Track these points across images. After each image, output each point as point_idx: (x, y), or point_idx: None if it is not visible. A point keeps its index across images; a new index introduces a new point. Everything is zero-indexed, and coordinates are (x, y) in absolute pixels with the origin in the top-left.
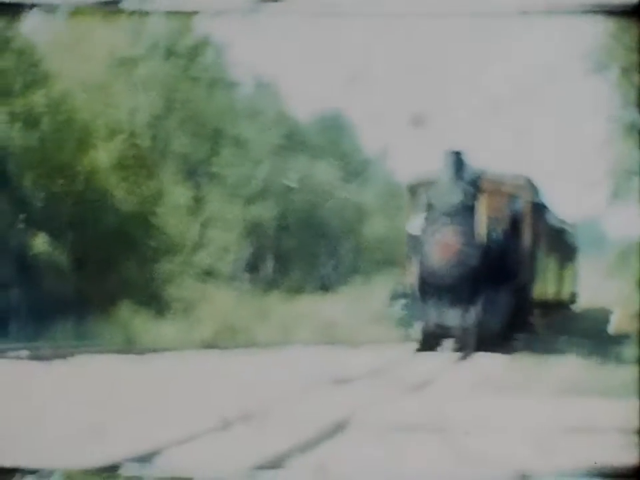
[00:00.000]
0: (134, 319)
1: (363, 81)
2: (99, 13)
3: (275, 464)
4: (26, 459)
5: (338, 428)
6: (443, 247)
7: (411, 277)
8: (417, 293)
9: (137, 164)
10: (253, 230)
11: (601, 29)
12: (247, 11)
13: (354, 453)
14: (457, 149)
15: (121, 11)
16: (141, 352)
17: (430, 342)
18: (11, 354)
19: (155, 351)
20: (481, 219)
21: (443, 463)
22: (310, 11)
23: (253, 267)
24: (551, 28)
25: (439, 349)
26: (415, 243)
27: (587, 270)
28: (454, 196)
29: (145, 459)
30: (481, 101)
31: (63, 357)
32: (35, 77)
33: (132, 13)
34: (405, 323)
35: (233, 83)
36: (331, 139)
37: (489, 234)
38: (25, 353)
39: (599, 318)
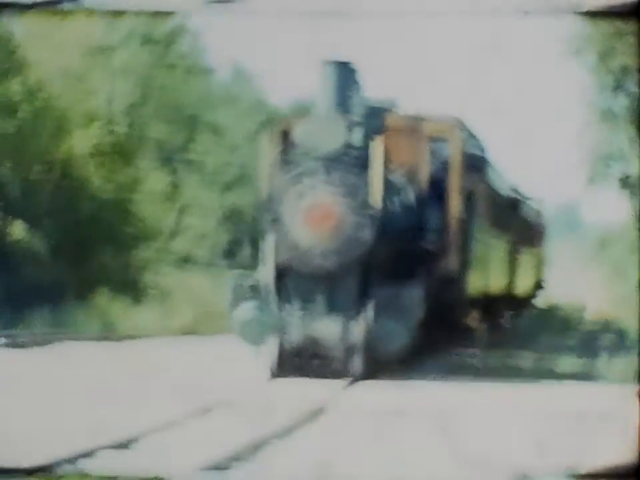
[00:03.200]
0: (111, 305)
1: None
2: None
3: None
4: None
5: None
6: (314, 217)
7: (265, 265)
8: (272, 290)
9: (114, 151)
10: (230, 216)
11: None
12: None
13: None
14: (343, 59)
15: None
16: (119, 339)
17: (292, 366)
18: None
19: (132, 337)
20: (376, 172)
21: None
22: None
23: (230, 253)
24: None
25: (307, 376)
26: (273, 210)
27: (561, 257)
28: (334, 136)
29: (123, 445)
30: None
31: (41, 344)
32: (11, 64)
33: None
34: (252, 336)
35: (209, 70)
36: None
37: (390, 197)
38: (2, 340)
39: (570, 317)
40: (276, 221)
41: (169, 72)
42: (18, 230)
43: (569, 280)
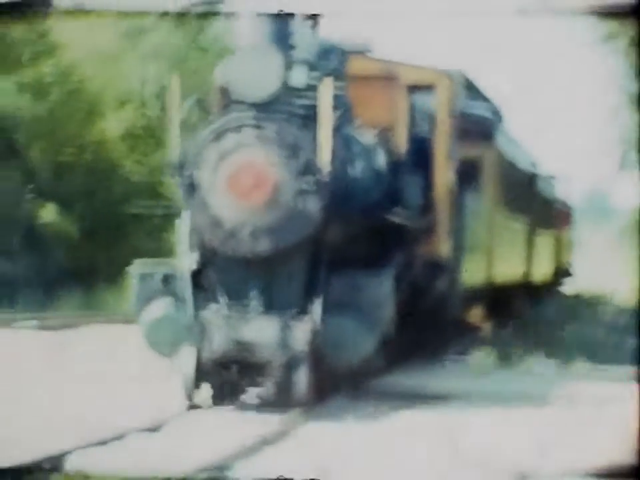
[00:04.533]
0: None
1: None
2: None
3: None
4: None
5: None
6: (240, 184)
7: (181, 249)
8: (189, 282)
9: (146, 134)
10: None
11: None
12: None
13: None
14: None
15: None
16: None
17: (211, 383)
18: (20, 324)
19: None
20: (324, 124)
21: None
22: None
23: None
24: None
25: (236, 397)
26: (187, 176)
27: (591, 243)
28: (267, 76)
29: (153, 429)
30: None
31: (72, 326)
32: (43, 47)
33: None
34: (162, 343)
35: None
36: None
37: (351, 159)
38: (33, 323)
39: (597, 306)
40: (191, 190)
41: (201, 55)
42: (49, 213)
43: (598, 267)
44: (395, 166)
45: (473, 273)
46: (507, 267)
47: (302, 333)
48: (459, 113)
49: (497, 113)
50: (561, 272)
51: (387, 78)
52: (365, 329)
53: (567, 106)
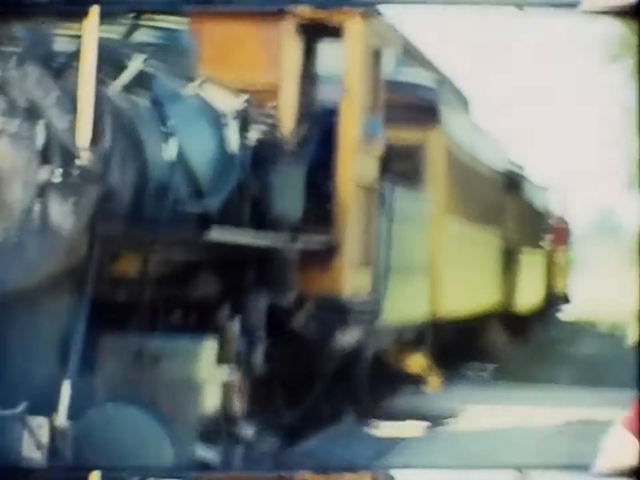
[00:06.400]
0: None
1: None
2: None
3: None
4: None
5: None
6: None
7: None
8: None
9: None
10: None
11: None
12: None
13: None
14: None
15: None
16: None
17: None
18: None
19: None
20: (83, 81)
21: None
22: None
23: None
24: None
25: None
26: None
27: (597, 262)
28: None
29: None
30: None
31: None
32: None
33: None
34: None
35: None
36: None
37: (150, 136)
38: None
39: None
40: None
41: None
42: None
43: (603, 290)
44: (271, 152)
45: (409, 306)
46: (469, 294)
47: (37, 438)
48: (388, 80)
49: (446, 86)
50: (555, 298)
51: (268, 13)
52: (162, 426)
53: (572, 125)
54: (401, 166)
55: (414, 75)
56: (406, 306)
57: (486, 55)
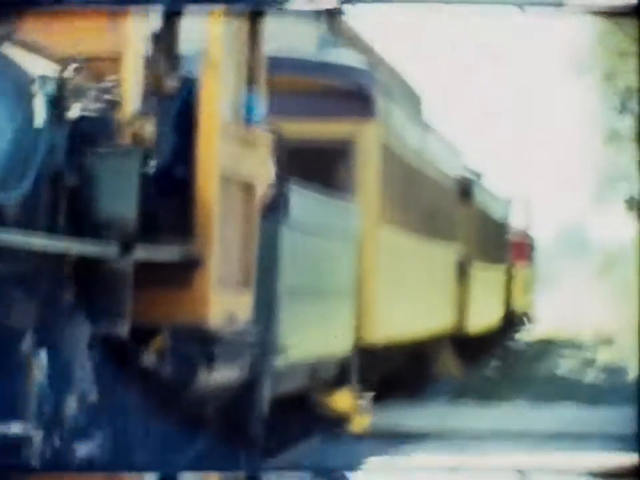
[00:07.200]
0: None
1: None
2: None
3: None
4: None
5: None
6: None
7: None
8: None
9: None
10: None
11: (587, 32)
12: None
13: None
14: None
15: None
16: None
17: None
18: None
19: None
20: None
21: None
22: None
23: None
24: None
25: None
26: None
27: (565, 278)
28: None
29: None
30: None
31: None
32: None
33: None
34: None
35: None
36: None
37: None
38: None
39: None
40: None
41: None
42: None
43: (570, 306)
44: (98, 135)
45: (328, 336)
46: (412, 316)
47: None
48: (308, 60)
49: (395, 80)
50: (515, 317)
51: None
52: None
53: (542, 141)
54: (322, 165)
55: (344, 57)
56: (323, 336)
57: (448, 57)
